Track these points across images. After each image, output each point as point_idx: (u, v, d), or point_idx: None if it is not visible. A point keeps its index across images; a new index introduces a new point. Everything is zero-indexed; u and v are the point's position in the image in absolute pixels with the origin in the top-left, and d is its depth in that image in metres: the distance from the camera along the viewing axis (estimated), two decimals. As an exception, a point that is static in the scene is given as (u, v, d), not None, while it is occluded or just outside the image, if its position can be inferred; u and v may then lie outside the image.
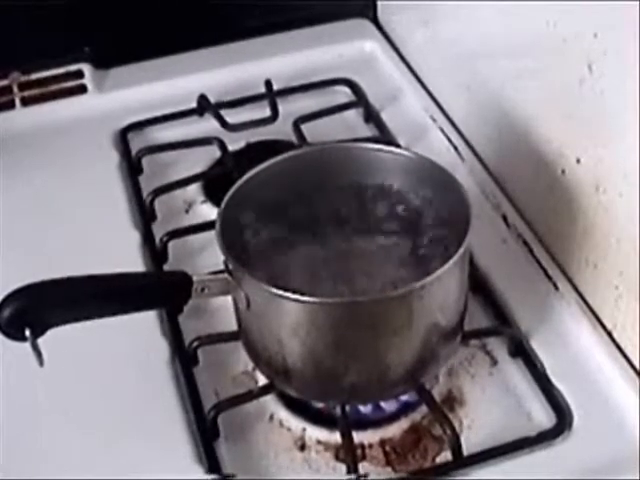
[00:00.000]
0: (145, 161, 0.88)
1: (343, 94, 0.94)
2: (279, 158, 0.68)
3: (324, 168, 0.69)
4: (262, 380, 0.68)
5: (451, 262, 0.60)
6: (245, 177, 0.67)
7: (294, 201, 0.69)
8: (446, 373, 0.69)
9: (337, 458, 0.65)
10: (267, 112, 0.90)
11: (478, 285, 0.73)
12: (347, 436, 0.63)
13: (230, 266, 0.62)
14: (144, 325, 0.71)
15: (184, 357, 0.70)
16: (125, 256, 0.77)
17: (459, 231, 0.62)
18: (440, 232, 0.66)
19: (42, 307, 0.60)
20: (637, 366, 0.67)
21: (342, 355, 0.62)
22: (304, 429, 0.66)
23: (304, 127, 0.87)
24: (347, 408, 0.65)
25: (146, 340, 0.71)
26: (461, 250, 0.60)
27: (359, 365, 0.62)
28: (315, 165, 0.69)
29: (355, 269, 0.67)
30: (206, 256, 0.76)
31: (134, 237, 0.80)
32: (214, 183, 0.84)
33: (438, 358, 0.64)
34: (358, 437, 0.65)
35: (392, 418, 0.66)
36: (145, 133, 0.92)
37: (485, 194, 0.81)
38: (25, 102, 0.94)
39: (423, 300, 0.60)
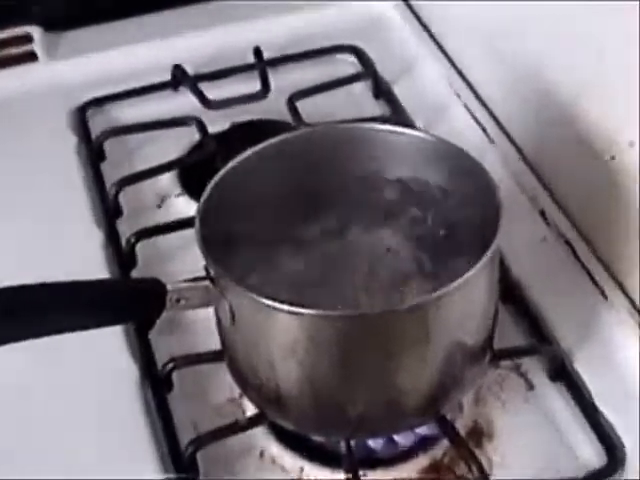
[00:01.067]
0: (108, 145, 0.88)
1: (348, 64, 0.94)
2: (271, 142, 0.69)
3: (325, 154, 0.69)
4: (251, 409, 0.68)
5: (477, 267, 0.60)
6: (230, 165, 0.67)
7: (289, 194, 0.69)
8: (472, 400, 0.69)
9: (341, 503, 0.66)
10: (256, 86, 0.90)
11: (510, 294, 0.74)
12: (353, 476, 0.64)
13: (212, 272, 0.63)
14: (108, 343, 0.71)
15: (156, 382, 0.70)
16: (85, 260, 0.78)
17: (487, 229, 0.63)
18: (464, 231, 0.67)
19: (-14, 321, 0.61)
20: (701, 391, 0.68)
21: (347, 380, 0.62)
22: (302, 468, 0.67)
23: (301, 104, 0.88)
24: (353, 443, 0.65)
25: (111, 361, 0.71)
26: (489, 252, 0.61)
27: (367, 391, 0.63)
28: (314, 150, 0.69)
29: (362, 276, 0.67)
30: (183, 260, 0.77)
31: (96, 237, 0.80)
32: (192, 172, 0.85)
33: (462, 383, 0.65)
34: (367, 478, 0.65)
35: (407, 455, 0.67)
36: (108, 111, 0.92)
37: (520, 185, 0.82)
38: (-36, 72, 0.95)
39: (443, 313, 0.61)
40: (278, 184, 0.69)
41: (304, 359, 0.61)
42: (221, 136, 0.88)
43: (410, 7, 0.99)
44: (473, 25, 0.89)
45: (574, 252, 0.76)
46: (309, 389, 0.63)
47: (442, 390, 0.64)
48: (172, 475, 0.64)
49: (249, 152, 0.68)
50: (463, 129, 0.87)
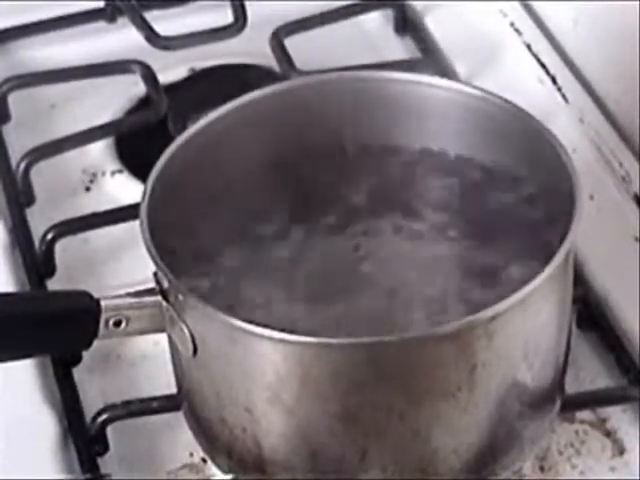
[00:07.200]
0: (14, 100, 0.89)
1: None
2: (248, 97, 0.70)
3: (325, 116, 0.70)
4: (218, 477, 0.69)
5: (542, 276, 0.61)
6: (189, 130, 0.68)
7: (273, 173, 0.70)
8: (535, 466, 0.70)
9: None
10: (228, 16, 0.91)
11: (591, 316, 0.75)
12: None
13: (165, 283, 0.63)
14: (15, 385, 0.72)
15: (84, 440, 0.71)
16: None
17: (556, 224, 0.64)
18: (523, 226, 0.67)
19: None
20: None
21: (357, 435, 0.63)
22: None
23: (291, 43, 0.89)
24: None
25: (20, 411, 0.72)
26: (559, 256, 0.61)
27: (385, 452, 0.63)
28: (310, 110, 0.70)
29: (377, 289, 0.68)
30: (122, 266, 0.78)
31: (-4, 232, 0.81)
32: (135, 140, 0.86)
33: (521, 442, 0.66)
34: None
35: None
36: (12, 51, 0.94)
37: (606, 161, 0.82)
38: None
39: (494, 341, 0.61)
40: (257, 158, 0.70)
41: (296, 407, 0.62)
42: (176, 88, 0.89)
43: None
44: None
45: (683, 256, 0.77)
46: (303, 449, 0.64)
47: (492, 452, 0.65)
48: None
49: (216, 112, 0.69)
50: (524, 80, 0.88)
